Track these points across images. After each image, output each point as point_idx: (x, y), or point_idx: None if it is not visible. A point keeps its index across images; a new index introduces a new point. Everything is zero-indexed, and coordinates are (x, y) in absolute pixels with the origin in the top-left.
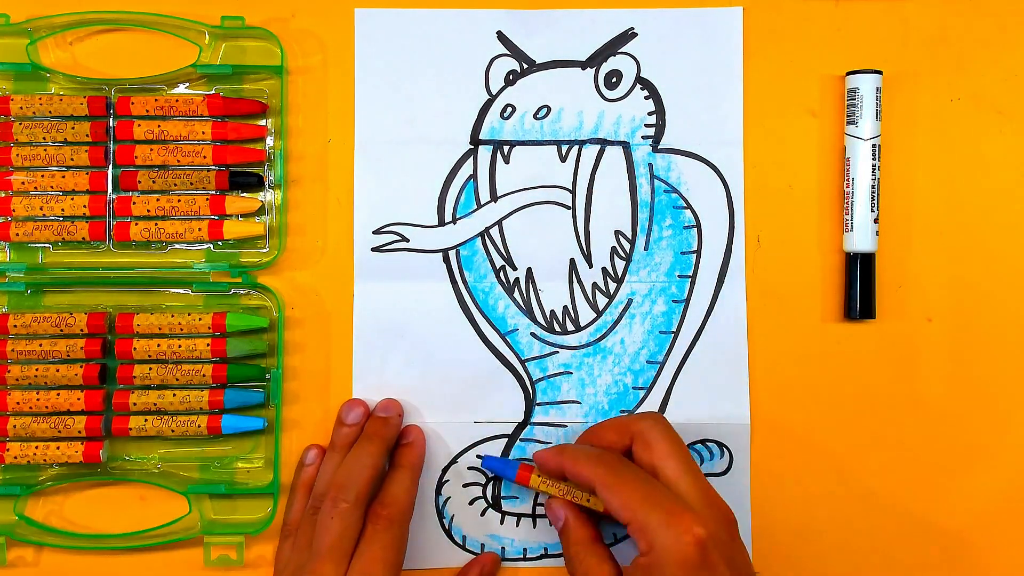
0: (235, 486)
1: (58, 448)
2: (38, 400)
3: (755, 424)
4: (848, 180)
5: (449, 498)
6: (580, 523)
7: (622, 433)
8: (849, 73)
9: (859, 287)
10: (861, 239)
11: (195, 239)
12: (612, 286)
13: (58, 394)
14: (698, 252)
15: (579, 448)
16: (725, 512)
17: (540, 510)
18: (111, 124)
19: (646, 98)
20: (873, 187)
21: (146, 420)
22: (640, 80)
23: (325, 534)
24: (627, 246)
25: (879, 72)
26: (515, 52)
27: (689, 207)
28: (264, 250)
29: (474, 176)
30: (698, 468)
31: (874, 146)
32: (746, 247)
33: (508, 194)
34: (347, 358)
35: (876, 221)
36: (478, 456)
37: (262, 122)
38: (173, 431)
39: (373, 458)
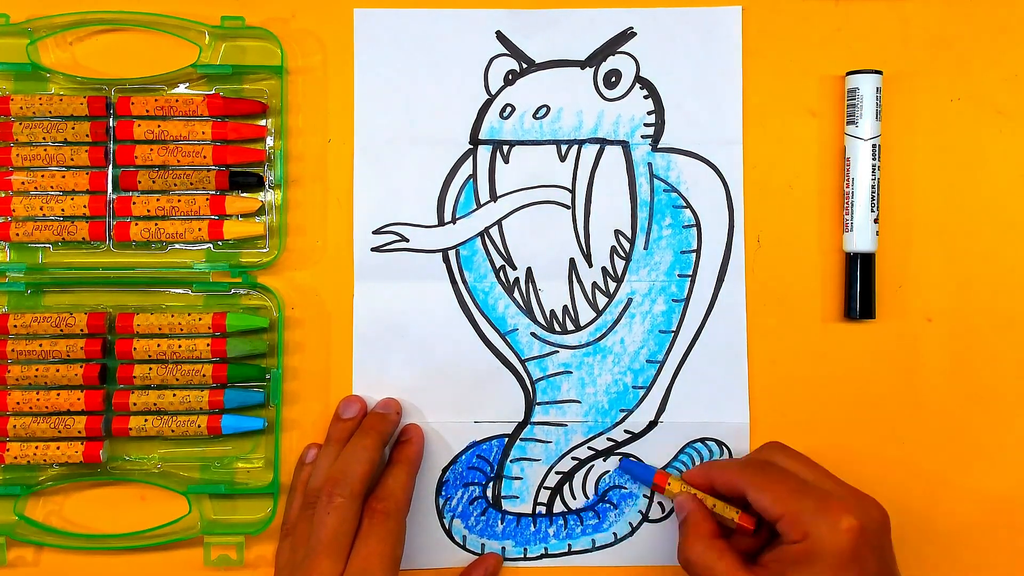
0: (235, 486)
1: (58, 448)
2: (38, 400)
3: (755, 424)
4: (848, 180)
5: (449, 498)
6: (703, 517)
7: (749, 462)
8: (849, 73)
9: (859, 287)
10: (861, 239)
11: (195, 239)
12: (612, 285)
13: (58, 394)
14: (698, 251)
15: (725, 460)
16: (877, 507)
17: (540, 510)
18: (111, 124)
19: (645, 97)
20: (873, 187)
21: (146, 420)
22: (639, 80)
23: (321, 529)
24: (627, 245)
25: (879, 72)
26: (514, 52)
27: (689, 206)
28: (264, 250)
29: (474, 176)
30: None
31: (874, 146)
32: (746, 247)
33: (508, 194)
34: (347, 358)
35: (876, 221)
36: (617, 456)
37: (262, 122)
38: (173, 431)
39: (369, 452)
